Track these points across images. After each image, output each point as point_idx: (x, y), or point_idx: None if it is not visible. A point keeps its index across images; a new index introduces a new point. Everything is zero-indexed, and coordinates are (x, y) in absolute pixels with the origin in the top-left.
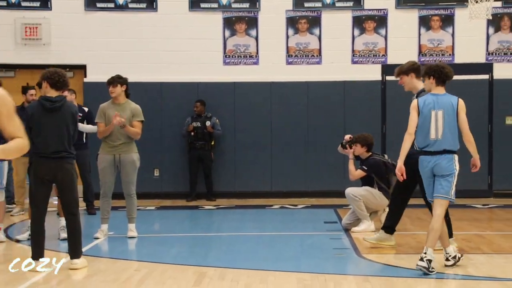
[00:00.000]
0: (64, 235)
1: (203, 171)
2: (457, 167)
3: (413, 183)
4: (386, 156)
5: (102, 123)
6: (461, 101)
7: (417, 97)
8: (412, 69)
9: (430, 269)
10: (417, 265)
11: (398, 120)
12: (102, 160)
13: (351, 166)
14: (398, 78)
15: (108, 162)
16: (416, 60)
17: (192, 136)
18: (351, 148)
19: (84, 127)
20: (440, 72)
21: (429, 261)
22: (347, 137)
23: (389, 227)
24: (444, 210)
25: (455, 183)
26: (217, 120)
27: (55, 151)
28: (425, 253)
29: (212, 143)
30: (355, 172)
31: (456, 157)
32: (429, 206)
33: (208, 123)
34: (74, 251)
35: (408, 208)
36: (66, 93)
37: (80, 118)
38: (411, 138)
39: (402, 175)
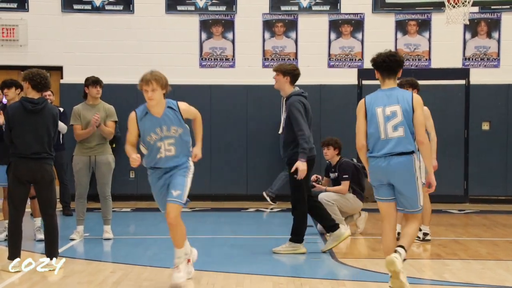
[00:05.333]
0: (40, 236)
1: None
2: None
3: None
4: (354, 160)
5: (78, 125)
6: None
7: (286, 100)
8: (291, 73)
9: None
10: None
11: None
12: (78, 162)
13: (332, 189)
14: (274, 72)
15: (83, 163)
16: None
17: None
18: (319, 184)
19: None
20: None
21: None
22: (314, 177)
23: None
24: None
25: None
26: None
27: (35, 152)
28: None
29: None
30: (342, 187)
31: None
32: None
33: None
34: (51, 252)
35: None
36: (49, 92)
37: None
38: None
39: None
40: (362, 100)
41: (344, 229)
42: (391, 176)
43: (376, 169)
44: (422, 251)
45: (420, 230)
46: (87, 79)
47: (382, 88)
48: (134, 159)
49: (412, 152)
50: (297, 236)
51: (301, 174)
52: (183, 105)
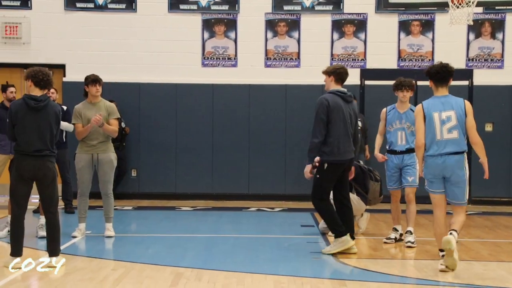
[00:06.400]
0: (42, 233)
1: (118, 170)
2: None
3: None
4: (361, 162)
5: (79, 124)
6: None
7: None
8: (334, 72)
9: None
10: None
11: (376, 124)
12: (80, 160)
13: None
14: (324, 76)
15: (86, 161)
16: (396, 65)
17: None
18: None
19: (61, 123)
20: None
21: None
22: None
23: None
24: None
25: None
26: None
27: (37, 150)
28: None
29: (124, 144)
30: None
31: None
32: None
33: (123, 125)
34: (53, 249)
35: (385, 213)
36: (52, 90)
37: None
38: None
39: None
40: (420, 105)
41: (352, 243)
42: (446, 171)
43: (433, 165)
44: (424, 252)
45: (412, 232)
46: (86, 78)
47: (436, 95)
48: None
49: (464, 152)
50: (335, 230)
51: (305, 175)
52: None
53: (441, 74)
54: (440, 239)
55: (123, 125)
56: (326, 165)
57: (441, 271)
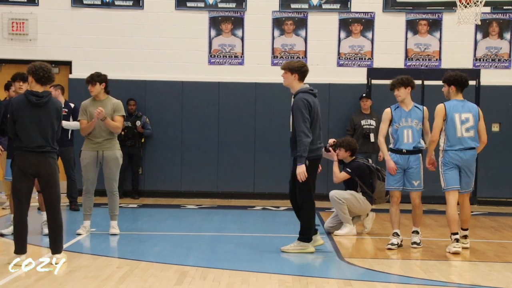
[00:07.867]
0: (46, 230)
1: (131, 169)
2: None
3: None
4: (370, 161)
5: (84, 120)
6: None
7: (294, 97)
8: (298, 70)
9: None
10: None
11: None
12: (85, 157)
13: (336, 168)
14: (282, 70)
15: (91, 158)
16: (403, 64)
17: (122, 135)
18: (335, 151)
19: (69, 124)
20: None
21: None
22: (331, 141)
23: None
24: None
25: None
26: (147, 119)
27: (39, 146)
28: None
29: (142, 141)
30: (340, 174)
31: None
32: None
33: (138, 123)
34: (55, 247)
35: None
36: (51, 89)
37: (65, 114)
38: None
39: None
40: (442, 106)
41: (312, 249)
42: (464, 163)
43: (453, 156)
44: (429, 252)
45: (418, 233)
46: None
47: (456, 99)
48: None
49: (476, 148)
50: (305, 235)
51: (299, 177)
52: None
53: (467, 82)
54: (452, 223)
55: (137, 123)
56: (307, 162)
57: (454, 253)
